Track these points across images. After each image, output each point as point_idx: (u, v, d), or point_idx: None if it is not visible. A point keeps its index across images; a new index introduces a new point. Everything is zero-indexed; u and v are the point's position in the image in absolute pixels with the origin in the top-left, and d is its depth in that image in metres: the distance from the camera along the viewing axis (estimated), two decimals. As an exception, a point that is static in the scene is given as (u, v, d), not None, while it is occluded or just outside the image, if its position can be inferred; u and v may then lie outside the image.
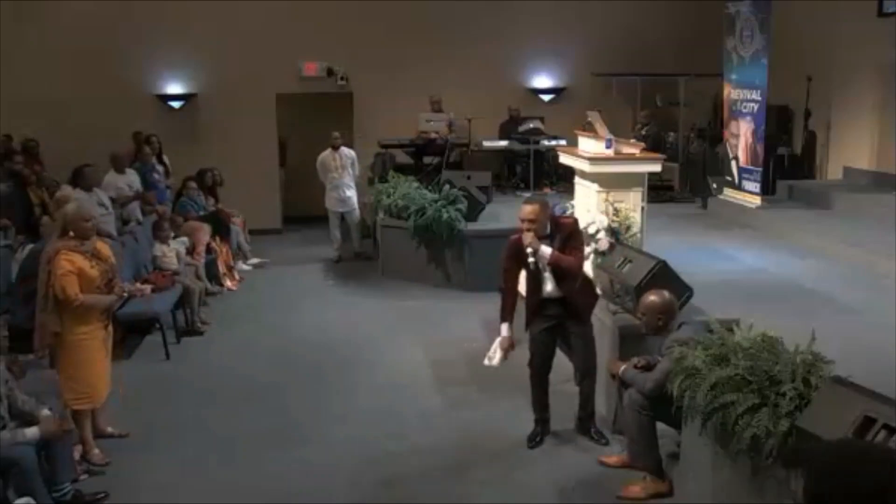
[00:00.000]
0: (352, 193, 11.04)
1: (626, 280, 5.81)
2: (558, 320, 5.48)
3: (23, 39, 12.01)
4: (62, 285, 5.08)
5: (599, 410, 5.80)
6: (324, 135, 11.22)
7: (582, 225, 6.52)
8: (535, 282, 5.45)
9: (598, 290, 6.11)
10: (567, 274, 5.30)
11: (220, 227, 9.93)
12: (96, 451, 5.39)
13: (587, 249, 6.44)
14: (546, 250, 5.23)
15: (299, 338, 7.93)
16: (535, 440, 5.59)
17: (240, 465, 5.38)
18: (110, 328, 5.52)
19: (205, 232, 9.41)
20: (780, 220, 9.45)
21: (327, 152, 10.94)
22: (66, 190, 8.29)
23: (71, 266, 5.13)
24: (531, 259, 5.26)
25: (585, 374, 5.61)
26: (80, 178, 8.42)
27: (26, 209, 8.38)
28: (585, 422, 5.63)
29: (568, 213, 7.37)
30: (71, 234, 5.26)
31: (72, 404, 5.29)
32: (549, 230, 5.31)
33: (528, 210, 5.26)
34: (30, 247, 7.28)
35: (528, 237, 5.22)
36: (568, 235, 5.31)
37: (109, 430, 5.72)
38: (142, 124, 11.79)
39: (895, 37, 9.45)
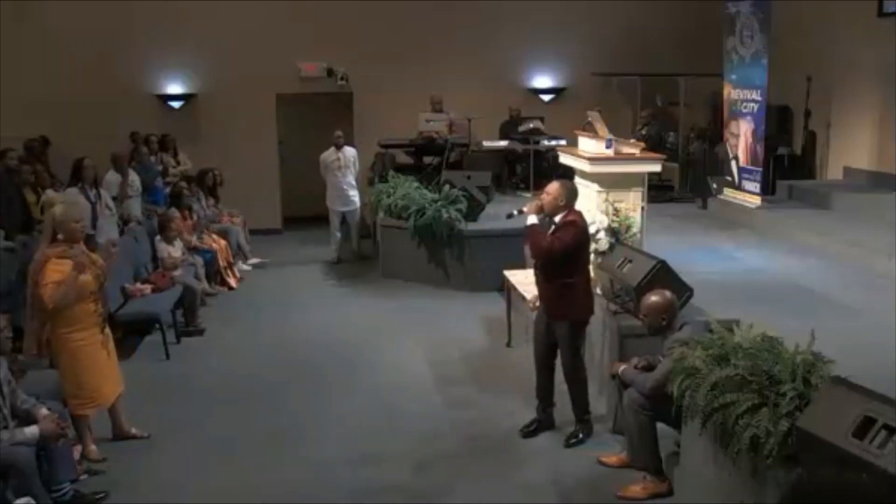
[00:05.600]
0: (354, 193, 11.06)
1: (626, 280, 5.80)
2: (547, 317, 5.58)
3: (23, 39, 12.01)
4: (41, 294, 5.01)
5: (599, 411, 5.80)
6: (323, 135, 11.22)
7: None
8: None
9: (598, 291, 6.12)
10: (535, 256, 5.47)
11: (178, 201, 9.71)
12: (92, 446, 5.40)
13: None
14: (531, 218, 5.44)
15: (299, 338, 7.93)
16: (527, 429, 5.70)
17: (240, 465, 5.38)
18: (108, 330, 5.49)
19: (178, 218, 9.32)
20: (780, 220, 9.45)
21: (330, 151, 10.94)
22: (50, 193, 8.27)
23: (59, 276, 5.03)
24: (514, 211, 5.70)
25: (566, 376, 5.64)
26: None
27: (22, 209, 8.33)
28: (575, 422, 5.65)
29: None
30: (60, 236, 5.17)
31: (76, 410, 5.27)
32: (558, 219, 5.42)
33: (550, 184, 5.58)
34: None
35: (534, 200, 5.53)
36: (561, 225, 5.40)
37: (133, 430, 5.73)
38: (142, 124, 11.79)
39: (895, 37, 9.45)
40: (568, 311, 5.48)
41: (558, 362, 5.67)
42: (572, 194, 5.51)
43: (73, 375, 5.25)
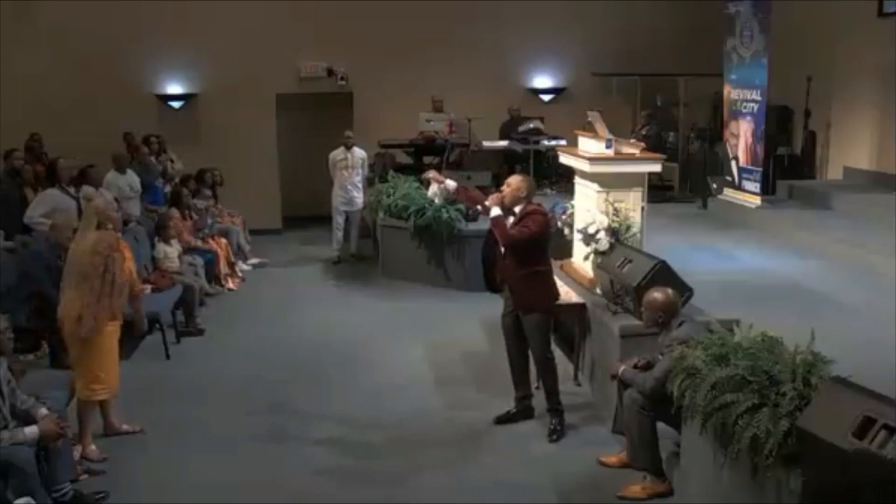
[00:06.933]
0: (359, 194, 11.07)
1: (626, 280, 5.81)
2: (514, 310, 5.69)
3: (23, 39, 12.01)
4: (130, 269, 5.39)
5: (598, 410, 5.80)
6: (323, 135, 11.20)
7: (581, 225, 6.54)
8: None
9: (598, 291, 6.12)
10: (505, 244, 5.58)
11: (178, 201, 9.75)
12: (93, 447, 5.41)
13: (586, 249, 6.46)
14: (495, 210, 5.56)
15: (299, 337, 7.93)
16: (503, 418, 5.84)
17: (240, 465, 5.38)
18: None
19: (178, 218, 9.33)
20: (780, 220, 9.45)
21: (339, 150, 10.96)
22: (88, 189, 8.33)
23: (129, 253, 5.46)
24: (479, 207, 5.90)
25: (538, 367, 5.76)
26: (86, 178, 8.44)
27: (23, 209, 8.31)
28: (550, 415, 5.71)
29: (568, 212, 7.39)
30: (109, 226, 5.42)
31: (94, 395, 5.38)
32: (517, 209, 5.58)
33: (511, 177, 5.82)
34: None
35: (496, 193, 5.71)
36: (523, 215, 5.55)
37: (125, 427, 5.76)
38: (142, 124, 11.79)
39: (895, 37, 9.44)
40: (540, 300, 5.63)
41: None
42: (532, 188, 5.74)
43: (99, 360, 5.36)
